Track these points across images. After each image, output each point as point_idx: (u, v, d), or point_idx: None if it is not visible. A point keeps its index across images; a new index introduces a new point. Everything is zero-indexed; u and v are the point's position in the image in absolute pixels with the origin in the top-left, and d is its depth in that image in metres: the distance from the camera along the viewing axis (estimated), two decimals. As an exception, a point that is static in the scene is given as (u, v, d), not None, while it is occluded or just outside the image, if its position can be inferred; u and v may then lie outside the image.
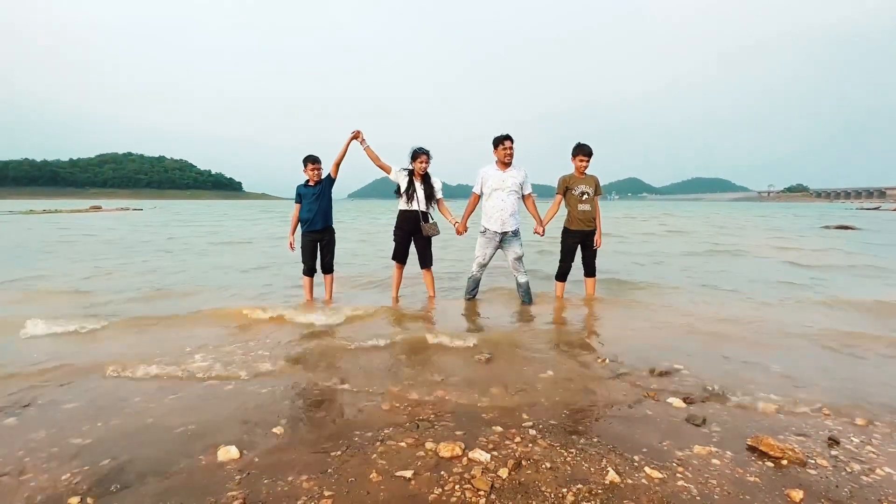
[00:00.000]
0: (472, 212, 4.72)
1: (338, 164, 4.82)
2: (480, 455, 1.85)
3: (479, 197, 4.63)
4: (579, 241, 4.70)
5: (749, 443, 1.94)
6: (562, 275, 4.83)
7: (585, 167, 4.61)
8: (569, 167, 4.73)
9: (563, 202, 4.74)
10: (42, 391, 2.55)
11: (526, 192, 4.55)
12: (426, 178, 4.72)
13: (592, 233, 4.68)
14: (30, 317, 3.79)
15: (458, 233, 4.68)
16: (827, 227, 17.76)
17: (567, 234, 4.73)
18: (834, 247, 10.63)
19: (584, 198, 4.60)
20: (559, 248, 4.82)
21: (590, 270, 4.80)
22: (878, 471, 1.77)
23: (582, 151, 4.58)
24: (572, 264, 4.79)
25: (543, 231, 4.61)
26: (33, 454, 1.90)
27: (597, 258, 4.80)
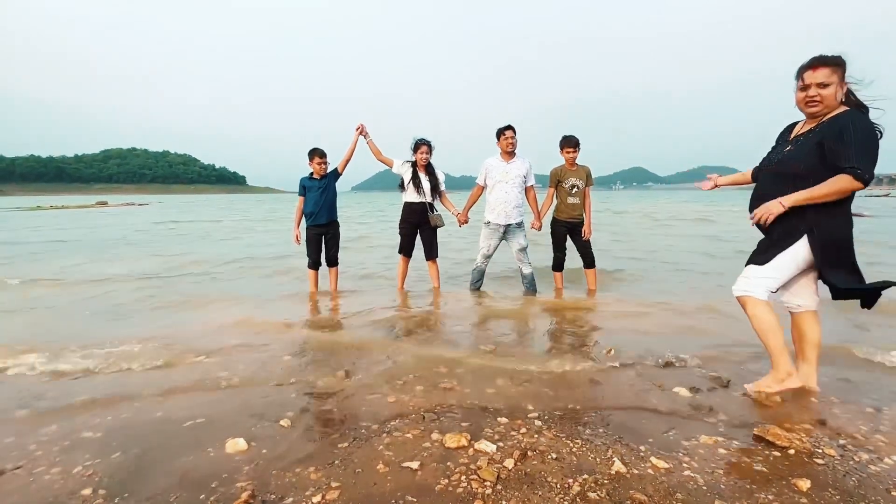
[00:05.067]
0: (474, 203, 4.73)
1: (346, 163, 4.85)
2: (486, 446, 1.85)
3: (483, 188, 4.63)
4: (568, 231, 4.73)
5: (756, 432, 1.94)
6: (557, 265, 4.86)
7: (574, 158, 4.60)
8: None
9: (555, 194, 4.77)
10: (53, 385, 2.58)
11: (528, 184, 4.54)
12: (430, 170, 4.71)
13: (580, 223, 4.69)
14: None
15: (461, 223, 4.70)
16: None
17: (555, 223, 4.77)
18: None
19: (573, 191, 4.62)
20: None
21: (588, 261, 4.81)
22: (886, 459, 1.76)
23: (568, 143, 4.58)
24: (566, 254, 4.82)
25: (541, 226, 4.63)
26: (45, 447, 1.93)
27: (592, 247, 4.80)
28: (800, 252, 2.12)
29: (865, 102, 2.08)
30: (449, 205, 4.81)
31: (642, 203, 37.83)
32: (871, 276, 2.15)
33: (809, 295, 2.26)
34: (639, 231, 12.57)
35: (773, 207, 2.09)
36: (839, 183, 1.96)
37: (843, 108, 2.06)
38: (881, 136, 2.00)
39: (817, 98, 2.05)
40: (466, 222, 4.73)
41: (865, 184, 1.93)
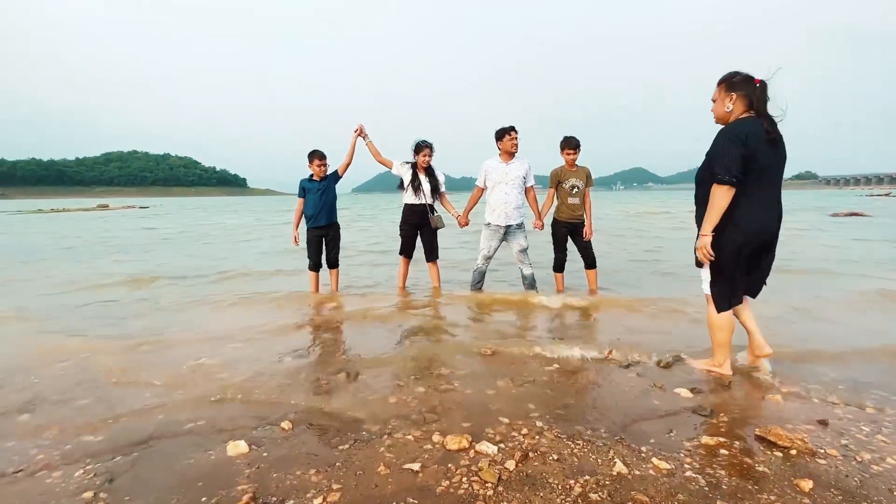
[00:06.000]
0: (474, 205, 4.73)
1: (346, 167, 4.86)
2: (487, 447, 1.85)
3: (483, 190, 4.63)
4: (568, 232, 4.75)
5: (757, 433, 1.93)
6: (558, 266, 4.87)
7: (574, 159, 4.63)
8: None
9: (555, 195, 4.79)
10: (53, 388, 2.59)
11: (528, 185, 4.54)
12: (430, 171, 4.72)
13: (581, 224, 4.71)
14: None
15: (461, 225, 4.70)
16: (836, 215, 17.57)
17: (556, 224, 4.78)
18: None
19: (573, 191, 4.64)
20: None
21: (589, 262, 4.82)
22: (888, 459, 1.76)
23: (569, 145, 4.60)
24: (567, 255, 4.84)
25: (542, 226, 4.64)
26: (47, 451, 1.93)
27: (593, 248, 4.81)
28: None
29: (776, 110, 2.35)
30: (449, 206, 4.81)
31: (645, 201, 37.83)
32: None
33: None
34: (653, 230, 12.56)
35: (703, 242, 2.39)
36: (713, 193, 2.33)
37: (741, 118, 2.36)
38: (748, 141, 2.26)
39: (712, 111, 2.50)
40: (467, 224, 4.73)
41: (723, 182, 2.27)
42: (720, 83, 2.42)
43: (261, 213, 29.68)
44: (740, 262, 2.40)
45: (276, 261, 7.75)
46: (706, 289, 2.55)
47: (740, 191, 2.30)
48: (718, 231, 2.35)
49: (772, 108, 2.36)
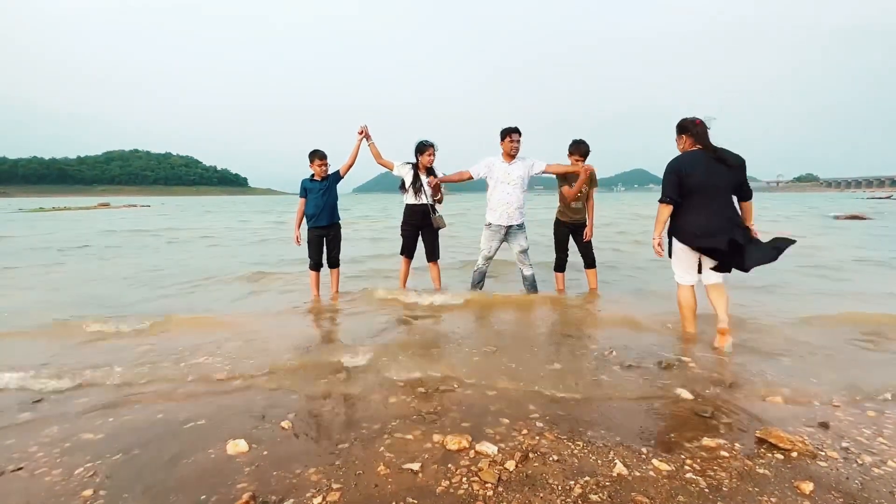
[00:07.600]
0: (456, 181, 4.50)
1: (349, 167, 4.86)
2: (487, 447, 1.85)
3: (471, 177, 4.44)
4: (570, 232, 4.76)
5: (758, 435, 1.93)
6: (559, 266, 4.88)
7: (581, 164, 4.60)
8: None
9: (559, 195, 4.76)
10: (55, 387, 2.59)
11: (538, 170, 4.42)
12: (431, 172, 4.71)
13: (583, 225, 4.72)
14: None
15: (430, 185, 4.51)
16: (837, 217, 17.56)
17: (557, 224, 4.80)
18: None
19: (577, 194, 4.60)
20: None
21: (589, 261, 4.83)
22: (889, 462, 1.75)
23: (578, 151, 4.55)
24: (567, 254, 4.84)
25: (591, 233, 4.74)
26: (47, 449, 1.93)
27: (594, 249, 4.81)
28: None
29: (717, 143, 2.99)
30: (445, 179, 4.48)
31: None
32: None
33: (702, 274, 3.21)
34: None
35: (653, 244, 3.20)
36: (657, 209, 3.08)
37: (685, 151, 3.03)
38: (681, 169, 2.95)
39: (678, 148, 3.11)
40: (437, 185, 4.45)
41: (661, 201, 3.03)
42: (676, 128, 3.10)
43: (246, 213, 27.37)
44: (691, 253, 3.07)
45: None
46: (677, 278, 3.26)
47: (686, 204, 2.97)
48: (672, 231, 3.12)
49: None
